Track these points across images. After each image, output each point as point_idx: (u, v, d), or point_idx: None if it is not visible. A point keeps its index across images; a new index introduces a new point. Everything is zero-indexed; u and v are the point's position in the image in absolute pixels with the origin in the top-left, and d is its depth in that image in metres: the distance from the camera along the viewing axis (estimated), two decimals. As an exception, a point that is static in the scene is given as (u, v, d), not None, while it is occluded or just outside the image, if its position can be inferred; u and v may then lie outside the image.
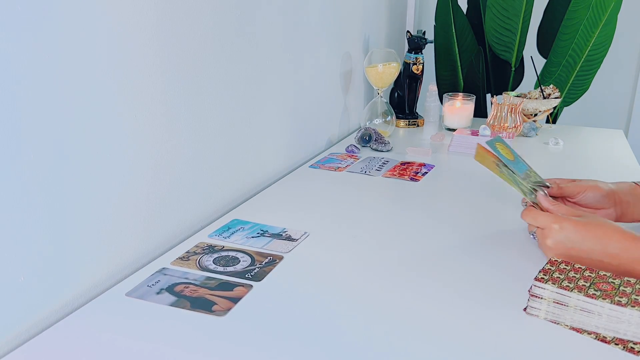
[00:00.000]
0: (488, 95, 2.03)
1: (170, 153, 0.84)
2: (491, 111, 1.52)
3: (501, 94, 1.57)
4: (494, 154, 0.83)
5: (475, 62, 1.95)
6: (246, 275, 0.75)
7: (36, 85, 0.60)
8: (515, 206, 1.00)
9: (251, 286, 0.73)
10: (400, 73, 1.62)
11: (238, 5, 0.96)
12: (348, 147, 1.38)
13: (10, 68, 0.57)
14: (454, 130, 1.60)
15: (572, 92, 1.93)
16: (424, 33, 1.63)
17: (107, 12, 0.68)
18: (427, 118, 1.74)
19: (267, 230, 0.90)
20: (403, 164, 1.29)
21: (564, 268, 0.69)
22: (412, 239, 0.88)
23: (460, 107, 1.62)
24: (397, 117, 1.66)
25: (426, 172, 1.23)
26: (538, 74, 1.74)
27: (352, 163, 1.29)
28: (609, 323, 0.62)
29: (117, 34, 0.70)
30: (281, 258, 0.81)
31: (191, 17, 0.84)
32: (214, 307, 0.68)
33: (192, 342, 0.61)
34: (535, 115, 1.59)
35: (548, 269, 0.69)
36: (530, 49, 1.97)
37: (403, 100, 1.69)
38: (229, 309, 0.67)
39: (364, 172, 1.23)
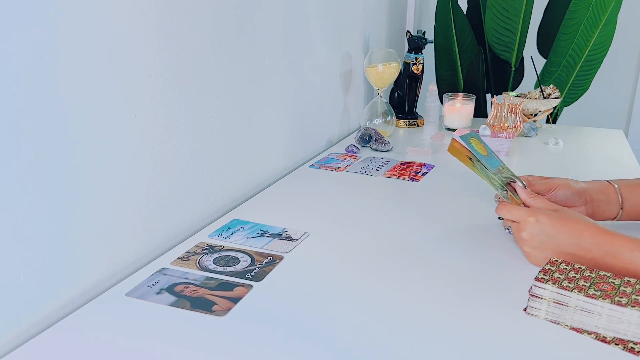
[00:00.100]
0: (488, 95, 2.03)
1: (170, 153, 0.84)
2: (491, 111, 1.52)
3: (501, 94, 1.56)
4: (468, 148, 0.84)
5: (475, 62, 1.95)
6: (246, 275, 0.75)
7: (36, 85, 0.60)
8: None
9: (251, 286, 0.73)
10: (400, 73, 1.62)
11: (238, 5, 0.96)
12: (348, 147, 1.38)
13: (10, 68, 0.57)
14: (454, 130, 1.60)
15: (572, 92, 1.93)
16: (424, 33, 1.63)
17: (107, 12, 0.68)
18: (427, 118, 1.74)
19: (267, 230, 0.90)
20: (403, 164, 1.29)
21: (564, 268, 0.69)
22: (412, 239, 0.88)
23: (460, 107, 1.62)
24: (397, 117, 1.66)
25: (426, 172, 1.23)
26: (538, 74, 1.74)
27: (352, 163, 1.29)
28: (609, 323, 0.62)
29: (117, 34, 0.70)
30: (281, 258, 0.81)
31: (191, 17, 0.84)
32: (214, 307, 0.68)
33: (192, 342, 0.61)
34: (535, 115, 1.59)
35: (548, 269, 0.69)
36: (530, 49, 1.97)
37: (403, 100, 1.69)
38: (229, 309, 0.67)
39: (364, 172, 1.22)
